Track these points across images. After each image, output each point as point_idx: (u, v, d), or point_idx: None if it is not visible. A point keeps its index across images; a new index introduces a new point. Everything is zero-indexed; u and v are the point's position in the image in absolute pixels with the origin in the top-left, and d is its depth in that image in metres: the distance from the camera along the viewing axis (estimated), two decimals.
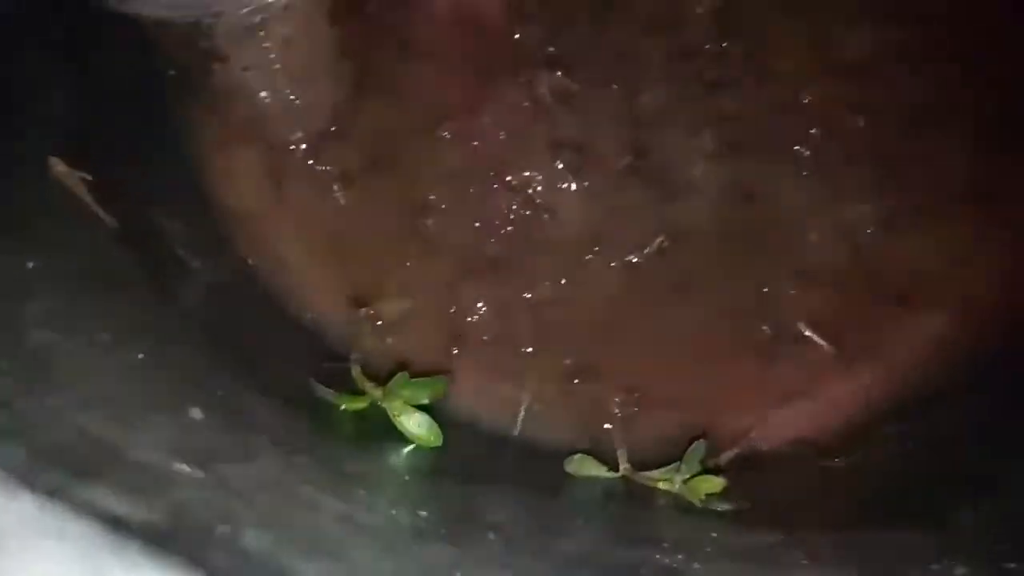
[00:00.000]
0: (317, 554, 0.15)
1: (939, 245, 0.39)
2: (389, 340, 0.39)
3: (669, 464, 0.34)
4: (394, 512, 0.22)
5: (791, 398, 0.38)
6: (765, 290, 0.39)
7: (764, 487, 0.33)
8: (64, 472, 0.12)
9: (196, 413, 0.22)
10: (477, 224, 0.41)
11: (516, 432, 0.37)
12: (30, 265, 0.24)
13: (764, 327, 0.39)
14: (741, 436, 0.36)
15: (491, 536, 0.23)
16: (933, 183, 0.40)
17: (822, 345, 0.38)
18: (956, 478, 0.31)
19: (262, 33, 0.32)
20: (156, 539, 0.12)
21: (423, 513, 0.23)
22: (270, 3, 0.30)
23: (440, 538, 0.21)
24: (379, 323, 0.39)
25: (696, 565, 0.25)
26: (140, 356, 0.24)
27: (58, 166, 0.31)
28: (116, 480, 0.14)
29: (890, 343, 0.39)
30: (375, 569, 0.14)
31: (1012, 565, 0.24)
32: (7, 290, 0.22)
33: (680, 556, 0.26)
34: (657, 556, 0.26)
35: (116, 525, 0.11)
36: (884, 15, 0.45)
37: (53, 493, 0.11)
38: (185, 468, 0.17)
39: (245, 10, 0.30)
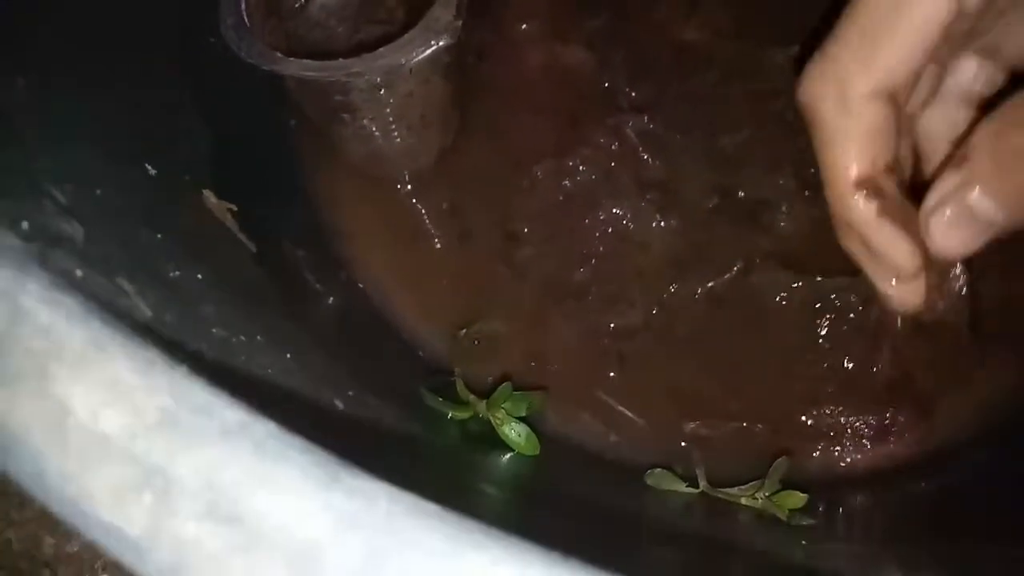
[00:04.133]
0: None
1: None
2: (484, 360, 0.42)
3: (748, 481, 0.35)
4: (504, 497, 0.25)
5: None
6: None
7: (848, 505, 0.34)
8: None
9: (339, 404, 0.25)
10: (567, 256, 0.44)
11: (601, 447, 0.39)
12: (199, 276, 0.28)
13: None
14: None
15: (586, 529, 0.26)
16: None
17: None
18: None
19: (387, 89, 0.37)
20: None
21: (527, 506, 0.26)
22: (402, 65, 0.35)
23: (543, 524, 0.24)
24: (475, 343, 0.42)
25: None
26: (288, 356, 0.28)
27: (211, 198, 0.36)
28: None
29: (979, 375, 0.39)
30: (500, 523, 0.16)
31: None
32: (191, 295, 0.26)
33: (773, 562, 0.28)
34: (749, 561, 0.28)
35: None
36: None
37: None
38: None
39: (378, 72, 0.35)
